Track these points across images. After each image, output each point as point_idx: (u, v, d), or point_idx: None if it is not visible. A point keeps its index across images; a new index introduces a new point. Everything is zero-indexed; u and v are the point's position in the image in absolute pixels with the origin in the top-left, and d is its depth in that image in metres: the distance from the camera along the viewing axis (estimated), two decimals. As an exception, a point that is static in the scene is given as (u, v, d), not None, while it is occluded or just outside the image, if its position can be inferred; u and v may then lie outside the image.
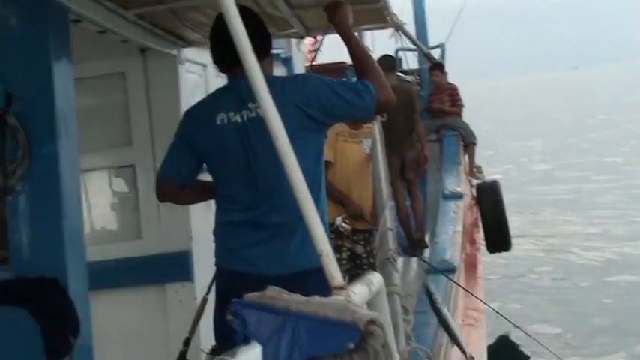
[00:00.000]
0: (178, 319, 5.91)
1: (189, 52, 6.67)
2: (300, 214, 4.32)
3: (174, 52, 6.41)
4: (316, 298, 2.54)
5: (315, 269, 4.39)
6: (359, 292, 3.57)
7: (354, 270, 7.97)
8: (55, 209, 4.17)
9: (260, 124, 4.34)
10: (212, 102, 4.72)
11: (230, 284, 4.54)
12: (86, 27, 5.11)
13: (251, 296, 2.56)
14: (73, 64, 4.39)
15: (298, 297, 2.56)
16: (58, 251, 4.16)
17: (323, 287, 4.18)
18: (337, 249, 7.81)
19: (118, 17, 5.30)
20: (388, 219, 7.02)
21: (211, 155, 4.59)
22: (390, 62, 11.11)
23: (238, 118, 4.45)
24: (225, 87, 4.71)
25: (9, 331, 3.99)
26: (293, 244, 4.40)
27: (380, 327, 2.26)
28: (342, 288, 3.09)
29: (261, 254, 4.45)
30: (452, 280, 8.20)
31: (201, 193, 4.86)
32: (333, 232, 7.85)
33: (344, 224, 7.81)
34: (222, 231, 4.64)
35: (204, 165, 4.68)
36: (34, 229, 4.15)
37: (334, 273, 3.14)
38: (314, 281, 4.35)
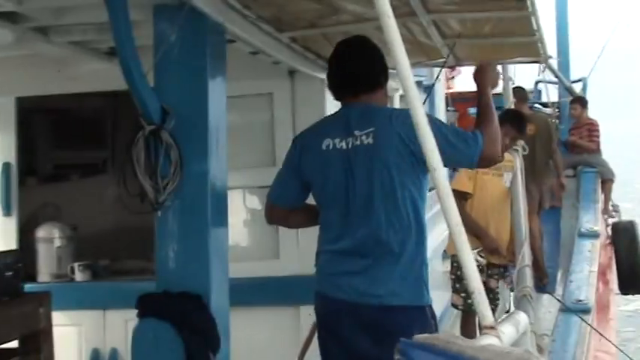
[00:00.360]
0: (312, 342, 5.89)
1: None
2: (397, 249, 4.32)
3: (322, 75, 6.41)
4: (494, 347, 2.47)
5: (405, 307, 4.36)
6: (508, 332, 3.51)
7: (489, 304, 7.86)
8: (203, 225, 4.22)
9: (363, 152, 4.35)
10: (321, 127, 4.73)
11: (326, 310, 4.56)
12: (239, 47, 5.18)
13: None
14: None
15: (473, 343, 2.50)
16: (203, 267, 4.21)
17: (411, 327, 4.19)
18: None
19: (272, 39, 5.36)
20: (527, 255, 6.92)
21: (315, 180, 4.59)
22: (522, 94, 11.47)
23: (344, 145, 4.45)
24: (335, 113, 4.74)
25: (152, 342, 4.04)
26: (386, 277, 4.35)
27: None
28: (492, 328, 3.04)
29: (354, 283, 4.39)
30: (586, 322, 8.00)
31: (310, 218, 4.82)
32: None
33: (479, 257, 7.70)
34: (321, 257, 4.64)
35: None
36: (181, 245, 4.20)
37: (485, 312, 3.09)
38: (403, 319, 4.33)
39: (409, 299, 4.35)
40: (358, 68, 4.56)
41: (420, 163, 4.29)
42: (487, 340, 2.95)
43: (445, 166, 4.40)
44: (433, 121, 4.18)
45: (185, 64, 4.24)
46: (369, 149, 4.35)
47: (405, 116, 4.41)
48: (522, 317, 4.04)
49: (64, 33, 5.36)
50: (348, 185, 4.43)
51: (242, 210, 6.27)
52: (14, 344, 4.59)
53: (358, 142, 4.39)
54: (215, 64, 4.36)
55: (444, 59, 6.26)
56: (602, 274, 11.54)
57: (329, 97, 6.38)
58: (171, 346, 3.98)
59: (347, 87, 4.58)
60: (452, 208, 3.16)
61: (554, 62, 15.25)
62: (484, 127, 4.48)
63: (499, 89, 12.70)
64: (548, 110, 16.69)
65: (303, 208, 4.83)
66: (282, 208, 4.83)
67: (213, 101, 4.29)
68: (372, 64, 4.55)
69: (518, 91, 11.01)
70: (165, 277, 4.20)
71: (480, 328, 3.12)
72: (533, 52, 6.58)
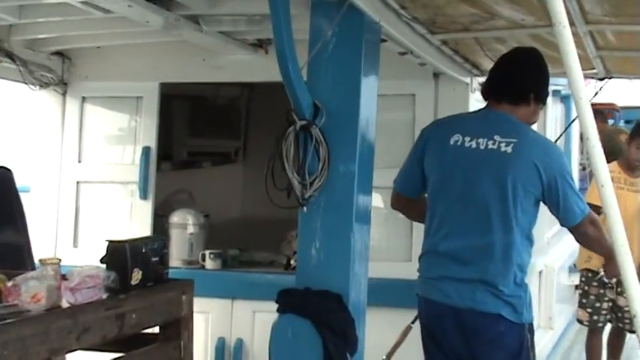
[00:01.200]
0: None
1: (481, 82, 6.60)
2: (503, 259, 4.21)
3: (467, 79, 6.36)
4: None
5: (504, 318, 4.24)
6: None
7: (615, 322, 7.67)
8: (347, 224, 4.19)
9: (492, 157, 4.25)
10: (454, 122, 4.66)
11: (429, 314, 4.50)
12: (389, 47, 5.13)
13: None
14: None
15: None
16: (345, 267, 4.18)
17: (505, 336, 4.23)
18: (599, 298, 7.56)
19: (423, 41, 5.32)
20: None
21: (433, 173, 4.53)
22: None
23: (473, 144, 4.37)
24: (473, 112, 4.73)
25: (291, 339, 4.03)
26: (488, 283, 4.26)
27: None
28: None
29: (455, 287, 4.33)
30: None
31: None
32: (597, 281, 7.59)
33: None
34: (424, 259, 4.57)
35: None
36: (324, 242, 4.18)
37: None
38: (502, 327, 4.27)
39: (507, 311, 4.29)
40: (509, 76, 4.48)
41: (536, 196, 4.29)
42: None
43: (552, 210, 4.33)
44: (563, 163, 4.41)
45: (340, 61, 4.21)
46: (504, 158, 4.27)
47: (544, 147, 4.40)
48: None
49: (215, 22, 5.42)
50: (465, 186, 4.37)
51: (379, 210, 6.20)
52: (156, 329, 4.62)
53: (495, 147, 4.30)
54: (369, 63, 4.32)
55: (595, 71, 6.12)
56: None
57: (472, 100, 6.34)
58: (310, 344, 3.97)
59: (493, 90, 4.54)
60: (619, 229, 3.08)
61: None
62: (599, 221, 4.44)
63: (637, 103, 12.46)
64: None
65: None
66: (405, 196, 4.81)
67: (365, 100, 4.26)
68: (524, 77, 4.47)
69: None
70: (306, 273, 4.18)
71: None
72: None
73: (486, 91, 4.62)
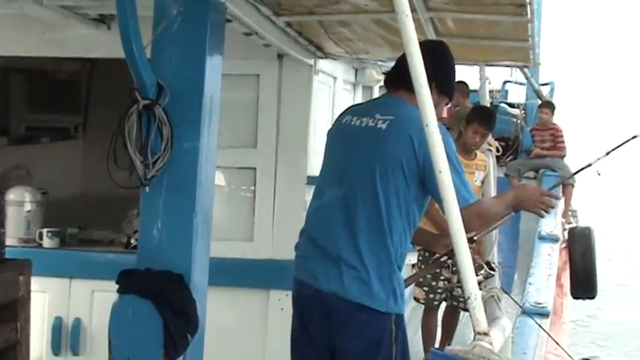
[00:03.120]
0: (278, 327, 5.87)
1: (323, 64, 6.67)
2: (370, 240, 4.20)
3: (310, 61, 6.41)
4: None
5: (368, 306, 4.24)
6: (496, 337, 3.50)
7: (450, 301, 7.87)
8: (190, 204, 4.15)
9: (368, 134, 4.30)
10: (355, 106, 4.85)
11: (297, 294, 4.50)
12: (234, 28, 5.11)
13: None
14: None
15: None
16: (187, 247, 4.15)
17: (368, 325, 4.18)
18: (435, 277, 7.73)
19: (268, 22, 5.32)
20: (496, 256, 6.91)
21: (324, 151, 4.63)
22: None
23: (357, 123, 4.42)
24: (376, 97, 4.72)
25: (131, 319, 3.97)
26: (353, 266, 4.21)
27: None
28: (486, 334, 3.02)
29: (322, 269, 4.30)
30: (542, 328, 8.03)
31: None
32: (433, 261, 7.76)
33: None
34: (300, 237, 4.55)
35: None
36: (166, 222, 4.13)
37: (479, 318, 3.07)
38: (365, 316, 4.23)
39: (368, 301, 4.22)
40: (406, 65, 4.49)
41: (415, 174, 4.20)
42: (480, 345, 2.94)
43: (430, 193, 4.23)
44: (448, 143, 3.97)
45: (184, 40, 4.16)
46: (378, 134, 4.29)
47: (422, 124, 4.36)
48: (507, 323, 4.05)
49: (56, -5, 5.28)
50: (343, 161, 4.39)
51: (221, 190, 6.19)
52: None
53: (373, 124, 4.33)
54: (214, 43, 4.28)
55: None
56: (557, 277, 11.61)
57: (316, 82, 6.39)
58: (150, 325, 3.92)
59: (394, 78, 4.54)
60: (455, 212, 3.16)
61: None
62: (483, 202, 4.45)
63: (476, 87, 12.81)
64: (514, 111, 16.77)
65: None
66: None
67: (209, 80, 4.22)
68: (439, 64, 4.42)
69: (461, 87, 10.88)
70: (147, 253, 4.12)
71: (474, 333, 3.09)
72: (523, 57, 6.59)
73: (387, 79, 4.65)
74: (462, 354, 2.45)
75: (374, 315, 4.20)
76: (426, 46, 4.62)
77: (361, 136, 4.35)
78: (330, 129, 4.67)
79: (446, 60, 4.60)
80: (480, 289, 7.86)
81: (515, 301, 9.09)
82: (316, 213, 4.45)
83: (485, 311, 4.58)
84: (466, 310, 6.08)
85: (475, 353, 2.44)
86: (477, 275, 5.51)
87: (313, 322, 4.38)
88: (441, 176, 3.11)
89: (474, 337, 3.01)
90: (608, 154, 5.84)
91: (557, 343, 8.39)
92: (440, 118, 4.37)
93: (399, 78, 4.43)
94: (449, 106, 8.24)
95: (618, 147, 5.90)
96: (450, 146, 4.07)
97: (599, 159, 5.77)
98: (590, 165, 6.04)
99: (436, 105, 4.42)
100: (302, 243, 4.49)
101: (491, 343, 2.99)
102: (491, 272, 5.69)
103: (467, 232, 3.90)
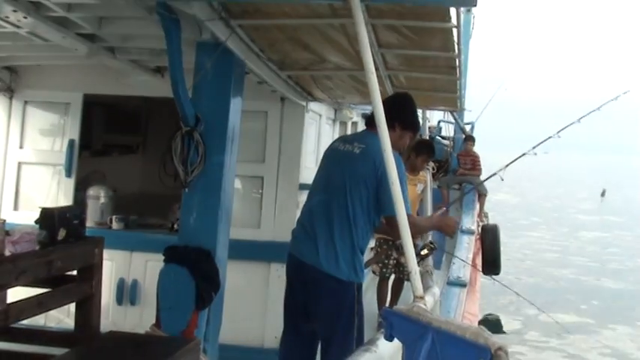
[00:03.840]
0: (276, 289, 5.85)
1: (312, 105, 6.67)
2: (342, 231, 4.14)
3: (303, 103, 6.41)
4: (455, 321, 2.43)
5: (338, 278, 4.19)
6: (429, 300, 3.50)
7: (397, 274, 7.87)
8: (216, 201, 4.15)
9: (346, 156, 4.30)
10: (345, 136, 4.78)
11: (288, 264, 4.46)
12: (251, 78, 5.11)
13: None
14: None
15: (439, 316, 2.46)
16: (213, 231, 4.14)
17: (337, 291, 4.16)
18: (387, 257, 7.72)
19: (275, 75, 5.32)
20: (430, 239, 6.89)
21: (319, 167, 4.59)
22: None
23: (342, 148, 4.42)
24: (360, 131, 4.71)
25: (173, 282, 3.96)
26: (331, 249, 4.21)
27: (505, 353, 2.14)
28: (422, 298, 3.02)
29: (307, 247, 4.29)
30: (459, 294, 8.10)
31: None
32: (386, 245, 7.77)
33: (398, 241, 7.67)
34: (296, 227, 4.52)
35: None
36: (199, 213, 4.13)
37: (417, 286, 3.06)
38: (335, 284, 4.21)
39: (337, 273, 4.22)
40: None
41: (374, 187, 4.17)
42: (418, 306, 2.93)
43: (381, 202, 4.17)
44: (399, 164, 3.89)
45: (215, 85, 4.17)
46: (353, 156, 4.30)
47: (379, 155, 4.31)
48: (437, 291, 4.04)
49: (126, 52, 5.28)
50: (329, 175, 4.39)
51: (238, 191, 6.18)
52: (75, 273, 4.51)
53: (351, 149, 4.34)
54: (236, 88, 4.29)
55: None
56: (473, 259, 11.61)
57: (307, 118, 6.39)
58: (186, 285, 3.92)
59: (369, 120, 4.45)
60: (402, 212, 3.17)
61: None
62: (413, 219, 4.24)
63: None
64: (446, 142, 16.82)
65: None
66: None
67: (232, 114, 4.23)
68: (391, 110, 3.96)
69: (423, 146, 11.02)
70: (186, 235, 4.12)
71: (413, 297, 3.09)
72: (453, 104, 6.62)
73: (367, 120, 4.61)
74: (404, 311, 2.45)
75: (340, 283, 4.22)
76: (395, 96, 4.64)
77: (343, 157, 4.35)
78: (325, 150, 4.64)
79: (408, 105, 4.57)
80: (419, 265, 7.89)
81: (443, 276, 9.12)
82: (307, 210, 4.46)
83: (422, 282, 4.62)
84: (409, 280, 6.10)
85: (414, 311, 2.44)
86: (425, 250, 5.58)
87: (296, 287, 4.40)
88: (394, 187, 3.12)
89: (413, 300, 3.01)
90: (507, 166, 6.22)
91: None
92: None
93: (373, 119, 4.43)
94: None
95: (513, 162, 6.19)
96: (400, 168, 4.02)
97: (500, 170, 6.17)
98: (494, 174, 6.37)
99: (400, 137, 4.44)
100: (297, 229, 4.49)
101: (425, 305, 2.99)
102: (434, 248, 5.68)
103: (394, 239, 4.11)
